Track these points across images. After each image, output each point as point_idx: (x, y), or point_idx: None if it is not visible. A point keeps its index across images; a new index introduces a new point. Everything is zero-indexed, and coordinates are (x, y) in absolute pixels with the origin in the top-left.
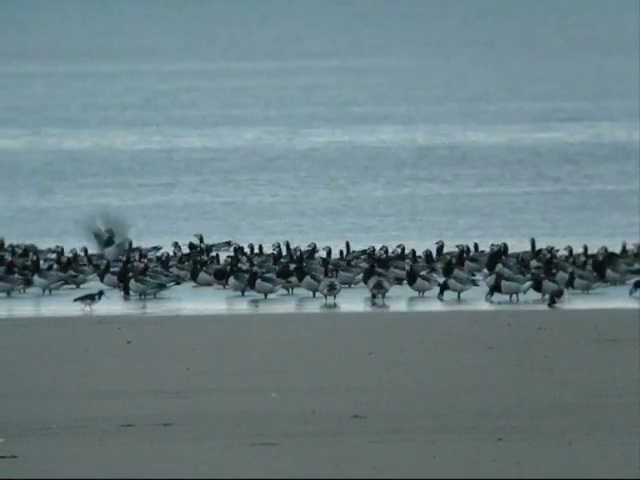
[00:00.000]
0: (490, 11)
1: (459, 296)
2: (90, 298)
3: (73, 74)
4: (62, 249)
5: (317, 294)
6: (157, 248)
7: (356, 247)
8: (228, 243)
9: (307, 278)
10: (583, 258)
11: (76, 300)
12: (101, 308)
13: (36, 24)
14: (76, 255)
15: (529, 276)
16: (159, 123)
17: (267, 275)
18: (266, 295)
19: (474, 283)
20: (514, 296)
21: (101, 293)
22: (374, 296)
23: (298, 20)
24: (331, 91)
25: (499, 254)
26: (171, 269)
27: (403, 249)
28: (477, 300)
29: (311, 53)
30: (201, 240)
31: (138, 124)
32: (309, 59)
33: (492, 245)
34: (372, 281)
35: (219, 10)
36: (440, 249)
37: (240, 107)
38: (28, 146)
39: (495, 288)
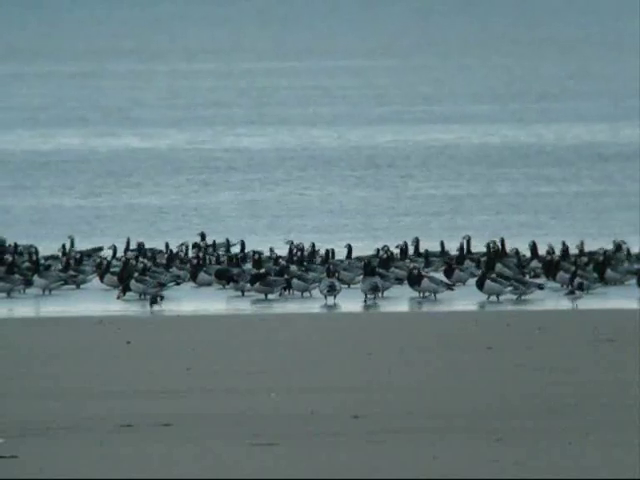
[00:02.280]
0: (548, 9)
1: (435, 297)
2: (159, 298)
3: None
4: (36, 249)
5: (317, 294)
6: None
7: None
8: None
9: (294, 280)
10: (585, 258)
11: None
12: (101, 308)
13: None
14: (73, 255)
15: (512, 281)
16: (200, 123)
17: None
18: (266, 295)
19: (449, 287)
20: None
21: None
22: (366, 296)
23: (337, 20)
24: (384, 90)
25: (498, 254)
26: (171, 269)
27: (402, 249)
28: (477, 300)
29: (352, 53)
30: (202, 238)
31: (178, 124)
32: (351, 59)
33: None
34: (365, 281)
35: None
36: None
37: (281, 106)
38: (77, 146)
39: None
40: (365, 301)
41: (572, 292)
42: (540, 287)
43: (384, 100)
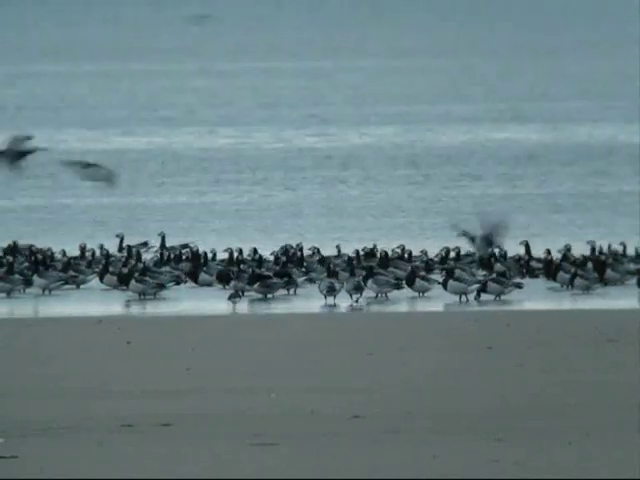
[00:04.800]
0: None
1: (386, 296)
2: (236, 296)
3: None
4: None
5: (317, 294)
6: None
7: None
8: (186, 245)
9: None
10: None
11: (229, 299)
12: (101, 308)
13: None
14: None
15: (479, 278)
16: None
17: (267, 275)
18: (266, 295)
19: (397, 287)
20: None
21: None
22: (351, 296)
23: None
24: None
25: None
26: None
27: (403, 249)
28: (476, 300)
29: (407, 52)
30: (121, 240)
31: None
32: (408, 57)
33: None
34: (349, 281)
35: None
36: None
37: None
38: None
39: (482, 289)
40: (351, 302)
41: None
42: (519, 286)
43: (436, 99)
